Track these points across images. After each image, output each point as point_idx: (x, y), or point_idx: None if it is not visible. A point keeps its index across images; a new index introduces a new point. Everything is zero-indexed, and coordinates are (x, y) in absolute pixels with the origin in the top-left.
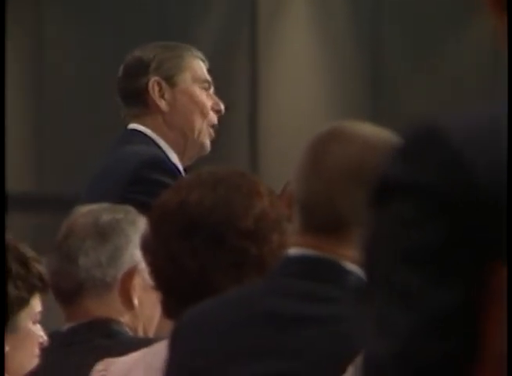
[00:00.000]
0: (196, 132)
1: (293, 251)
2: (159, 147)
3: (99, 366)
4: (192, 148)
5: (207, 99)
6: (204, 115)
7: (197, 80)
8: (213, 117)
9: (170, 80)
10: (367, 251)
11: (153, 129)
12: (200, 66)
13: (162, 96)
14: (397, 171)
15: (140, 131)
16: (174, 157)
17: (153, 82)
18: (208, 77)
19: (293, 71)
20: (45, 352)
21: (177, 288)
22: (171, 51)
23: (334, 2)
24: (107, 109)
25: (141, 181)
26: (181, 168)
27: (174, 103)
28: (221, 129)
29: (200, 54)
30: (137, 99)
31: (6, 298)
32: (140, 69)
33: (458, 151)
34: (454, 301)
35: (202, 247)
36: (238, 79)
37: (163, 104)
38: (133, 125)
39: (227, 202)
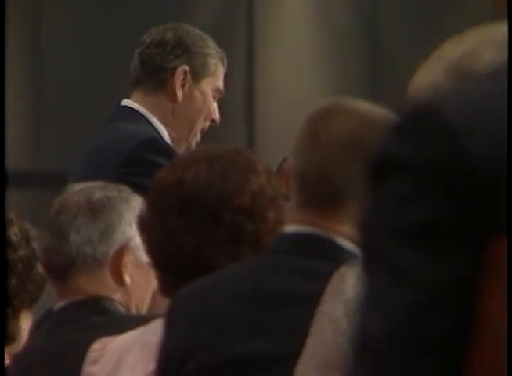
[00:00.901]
0: (193, 133)
1: (288, 228)
2: (152, 125)
3: (96, 345)
4: (181, 143)
5: (212, 105)
6: (205, 121)
7: (215, 89)
8: (207, 124)
9: (196, 76)
10: (363, 228)
11: (156, 112)
12: (221, 76)
13: (182, 86)
14: (394, 148)
15: (133, 109)
16: (166, 136)
17: (182, 70)
18: (222, 88)
19: (290, 47)
20: (39, 331)
21: (173, 265)
22: (205, 46)
23: None
24: (105, 86)
25: (136, 162)
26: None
27: (189, 97)
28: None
29: (224, 56)
30: (158, 76)
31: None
32: (175, 49)
33: (455, 127)
34: (452, 277)
35: (198, 224)
36: (235, 60)
37: (180, 93)
38: (126, 102)
39: (223, 179)
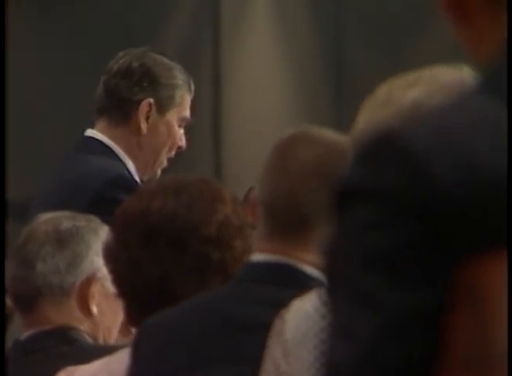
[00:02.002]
0: (158, 163)
1: (255, 257)
2: (118, 157)
3: (61, 374)
4: (146, 172)
5: (178, 135)
6: (171, 150)
7: (181, 118)
8: (173, 153)
9: (161, 108)
10: (328, 255)
11: (121, 144)
12: (188, 105)
13: (147, 119)
14: (356, 176)
15: (98, 140)
16: (131, 166)
17: (147, 103)
18: (189, 117)
19: (256, 71)
20: (7, 361)
21: (140, 295)
22: (172, 77)
23: (296, 3)
24: (67, 115)
25: (105, 201)
26: (137, 177)
27: (154, 130)
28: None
29: (191, 84)
30: (123, 107)
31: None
32: (141, 81)
33: (416, 154)
34: (416, 304)
35: (164, 253)
36: (201, 87)
37: (144, 127)
38: (91, 132)
39: (189, 208)
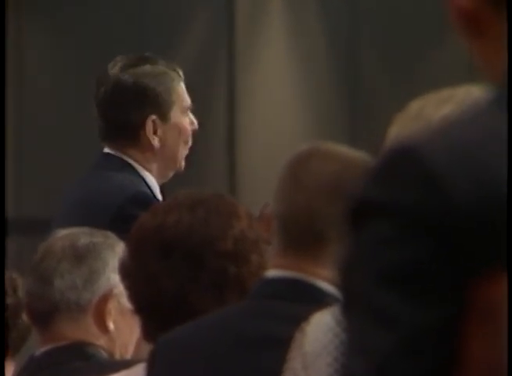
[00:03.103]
0: (179, 159)
1: (271, 273)
2: (135, 171)
3: None
4: (171, 170)
5: (188, 123)
6: (186, 143)
7: (184, 110)
8: (190, 139)
9: (164, 116)
10: (343, 270)
11: (139, 161)
12: (184, 93)
13: (155, 133)
14: (373, 192)
15: (117, 156)
16: (150, 180)
17: (150, 121)
18: (189, 101)
19: (270, 90)
20: None
21: (156, 310)
22: (160, 78)
23: (310, 19)
24: (85, 134)
25: (125, 218)
26: (158, 189)
27: (165, 138)
28: (199, 150)
29: (180, 72)
30: (128, 132)
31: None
32: (136, 102)
33: (433, 171)
34: (431, 320)
35: (181, 268)
36: (216, 102)
37: (155, 141)
38: (108, 149)
39: (205, 223)
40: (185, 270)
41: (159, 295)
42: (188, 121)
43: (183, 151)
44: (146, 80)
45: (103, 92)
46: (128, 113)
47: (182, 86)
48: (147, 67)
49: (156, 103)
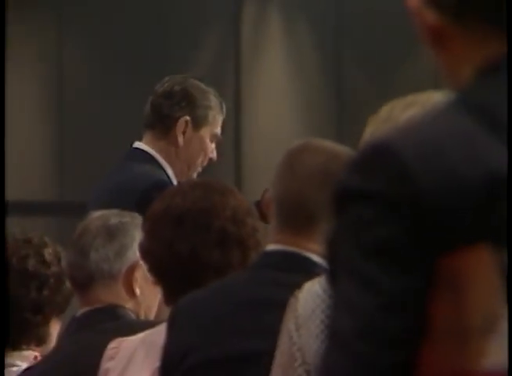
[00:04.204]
0: (192, 170)
1: (270, 247)
2: (160, 165)
3: (112, 344)
4: (184, 174)
5: (210, 148)
6: (203, 160)
7: (213, 135)
8: (205, 162)
9: (196, 125)
10: (330, 246)
11: (163, 153)
12: (219, 124)
13: (183, 133)
14: (353, 181)
15: (144, 151)
16: (170, 173)
17: (184, 120)
18: (219, 133)
19: (271, 100)
20: (64, 335)
21: (172, 275)
22: (207, 95)
23: (304, 42)
24: (118, 132)
25: (148, 201)
26: (175, 181)
27: (189, 142)
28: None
29: (224, 107)
30: (164, 123)
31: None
32: (181, 101)
33: (405, 163)
34: (405, 286)
35: (191, 233)
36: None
37: (180, 139)
38: (138, 144)
39: (206, 198)
40: (194, 234)
41: (174, 258)
42: (211, 147)
43: (198, 163)
44: (195, 91)
45: (161, 90)
46: (172, 107)
47: (221, 118)
48: (201, 83)
49: (195, 111)
